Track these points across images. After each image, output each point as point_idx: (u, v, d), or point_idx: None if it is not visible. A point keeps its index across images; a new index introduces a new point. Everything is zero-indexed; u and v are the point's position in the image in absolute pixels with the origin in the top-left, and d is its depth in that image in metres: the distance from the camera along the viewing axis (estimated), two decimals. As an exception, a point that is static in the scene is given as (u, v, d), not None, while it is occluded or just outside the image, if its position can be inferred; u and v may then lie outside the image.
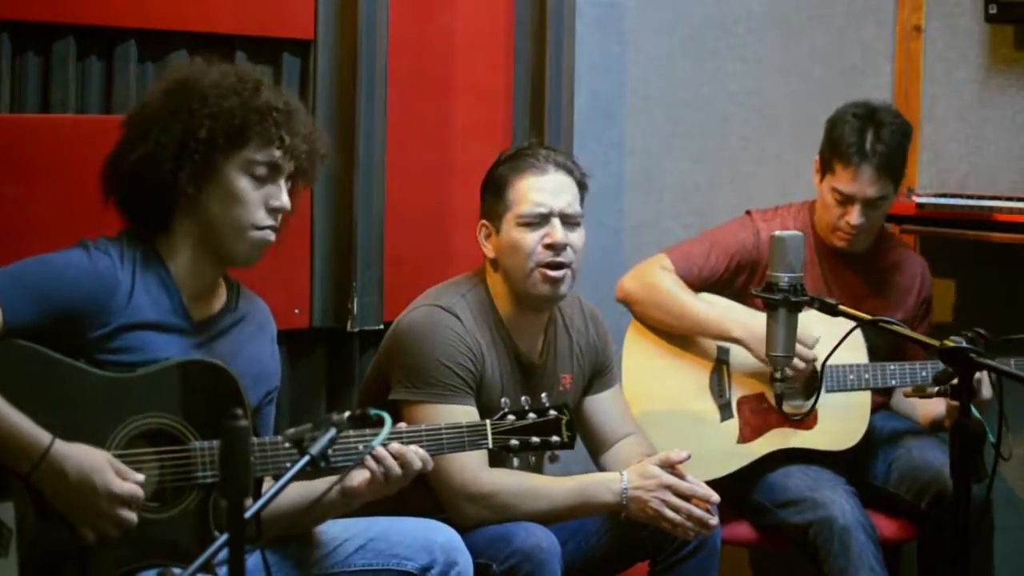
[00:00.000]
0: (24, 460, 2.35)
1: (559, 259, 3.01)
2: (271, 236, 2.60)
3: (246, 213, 2.56)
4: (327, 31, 3.51)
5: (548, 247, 3.00)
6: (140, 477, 2.42)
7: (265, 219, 2.57)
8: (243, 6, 3.40)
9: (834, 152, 3.52)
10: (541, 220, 3.01)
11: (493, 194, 3.07)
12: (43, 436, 2.36)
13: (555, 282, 3.02)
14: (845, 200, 3.51)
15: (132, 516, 2.40)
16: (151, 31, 3.30)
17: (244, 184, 2.55)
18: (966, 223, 3.88)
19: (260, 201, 2.56)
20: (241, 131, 2.53)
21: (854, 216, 3.50)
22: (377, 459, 2.55)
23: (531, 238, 3.00)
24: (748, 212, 3.68)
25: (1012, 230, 3.79)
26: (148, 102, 2.61)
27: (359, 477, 2.57)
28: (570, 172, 3.07)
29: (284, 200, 2.58)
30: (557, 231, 3.00)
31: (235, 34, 3.41)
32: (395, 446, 2.57)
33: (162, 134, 2.53)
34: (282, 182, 2.58)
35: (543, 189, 3.02)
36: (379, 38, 3.54)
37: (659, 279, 3.52)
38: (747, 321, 3.45)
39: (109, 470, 2.39)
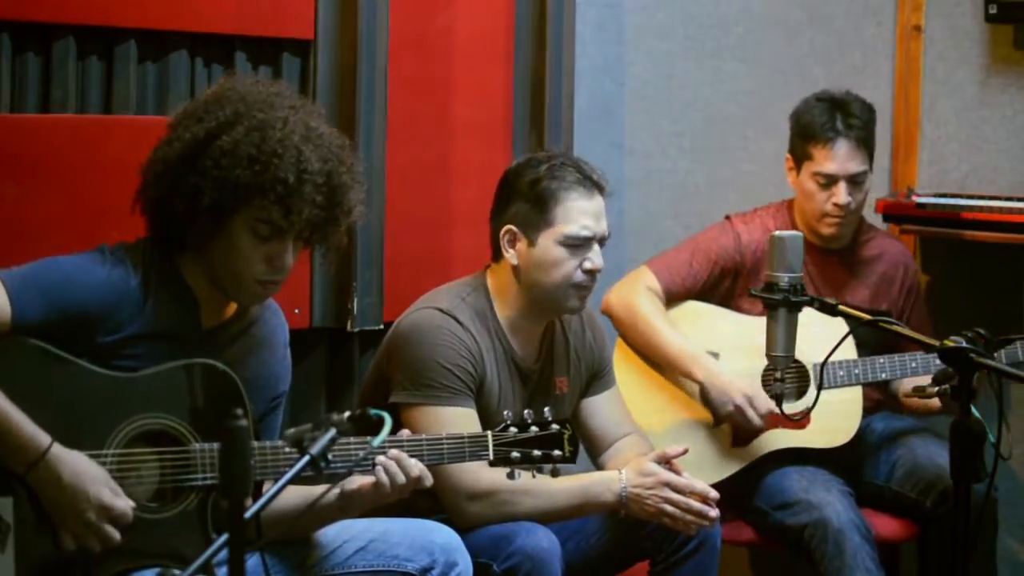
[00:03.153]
0: (21, 460, 2.36)
1: (592, 283, 3.04)
2: (270, 290, 2.60)
3: (247, 267, 2.54)
4: (327, 31, 3.51)
5: (587, 272, 3.01)
6: (132, 503, 2.42)
7: (265, 273, 2.55)
8: (243, 6, 3.40)
9: (807, 138, 3.56)
10: (584, 243, 3.01)
11: (533, 204, 3.02)
12: (43, 438, 2.36)
13: (584, 299, 3.06)
14: (829, 181, 3.54)
15: (116, 534, 2.40)
16: (151, 31, 3.30)
17: (248, 241, 2.52)
18: (966, 223, 3.88)
19: (263, 257, 2.54)
20: (244, 199, 2.49)
21: (841, 195, 3.53)
22: (379, 464, 2.56)
23: (572, 261, 3.01)
24: (727, 216, 3.69)
25: (1011, 230, 3.79)
26: (174, 136, 2.54)
27: (358, 481, 2.57)
28: (603, 192, 3.07)
29: (287, 260, 2.55)
30: (598, 257, 3.02)
31: (235, 34, 3.41)
32: (393, 451, 2.58)
33: (177, 183, 2.51)
34: (290, 243, 2.55)
35: (590, 213, 3.02)
36: (379, 38, 3.54)
37: (640, 304, 3.53)
38: (712, 369, 3.46)
39: (104, 484, 2.39)
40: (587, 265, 3.01)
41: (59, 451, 2.37)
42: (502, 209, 3.08)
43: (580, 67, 3.96)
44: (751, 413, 3.40)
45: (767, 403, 3.41)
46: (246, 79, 2.68)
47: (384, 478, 2.56)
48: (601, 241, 3.05)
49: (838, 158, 3.51)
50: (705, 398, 3.48)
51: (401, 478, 2.57)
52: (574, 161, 3.09)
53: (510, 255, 3.06)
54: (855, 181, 3.54)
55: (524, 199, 3.05)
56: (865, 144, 3.55)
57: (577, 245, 3.01)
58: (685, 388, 3.54)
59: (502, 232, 3.07)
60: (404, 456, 2.58)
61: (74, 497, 2.37)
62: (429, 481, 2.63)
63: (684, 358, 3.49)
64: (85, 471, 2.38)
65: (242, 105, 2.53)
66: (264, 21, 3.44)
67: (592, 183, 3.04)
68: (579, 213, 3.01)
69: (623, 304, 3.56)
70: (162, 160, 2.54)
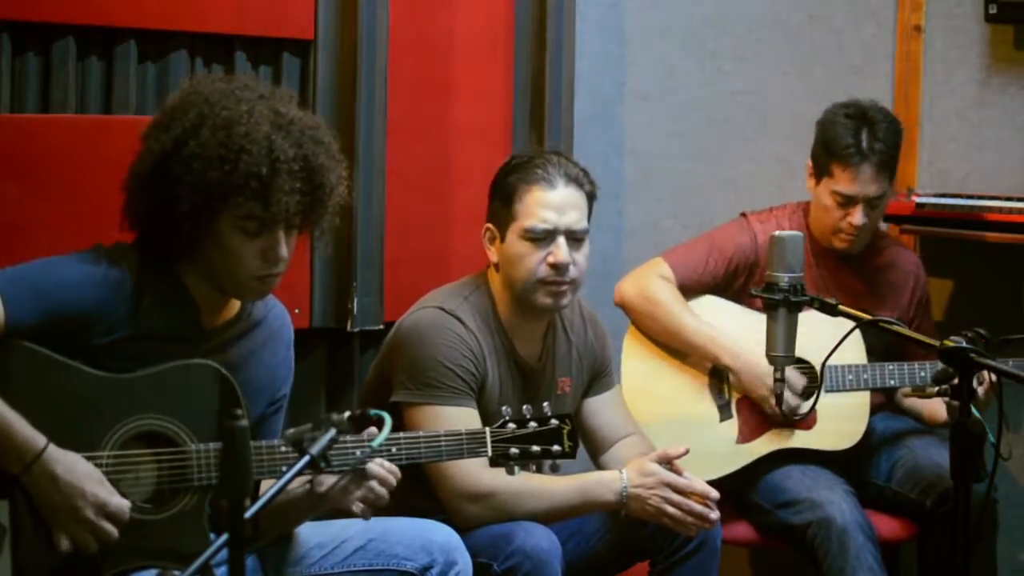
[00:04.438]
0: (16, 461, 2.35)
1: (561, 278, 2.99)
2: (270, 284, 2.57)
3: (242, 266, 2.52)
4: (327, 31, 3.51)
5: (551, 266, 2.98)
6: (128, 502, 2.41)
7: (262, 268, 2.52)
8: (243, 6, 3.40)
9: (831, 155, 3.52)
10: (546, 236, 2.98)
11: (501, 201, 3.04)
12: (39, 439, 2.36)
13: (557, 296, 3.02)
14: (847, 202, 3.52)
15: (114, 531, 2.39)
16: (151, 31, 3.30)
17: (237, 240, 2.50)
18: (966, 223, 3.88)
19: (256, 253, 2.51)
20: (222, 199, 2.47)
21: (857, 217, 3.51)
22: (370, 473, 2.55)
23: (535, 255, 2.98)
24: (743, 214, 3.69)
25: (1011, 230, 3.79)
26: (146, 149, 2.52)
27: (328, 481, 2.55)
28: (580, 185, 3.02)
29: (281, 252, 2.52)
30: (561, 250, 2.98)
31: (235, 34, 3.41)
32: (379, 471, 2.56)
33: (154, 196, 2.49)
34: (280, 233, 2.51)
35: (550, 205, 2.98)
36: (379, 38, 3.54)
37: (658, 292, 3.53)
38: (738, 351, 3.48)
39: (100, 482, 2.39)
40: (550, 259, 2.98)
41: (55, 451, 2.36)
42: (488, 208, 3.10)
43: (580, 67, 3.96)
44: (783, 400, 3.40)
45: (800, 381, 3.41)
46: (209, 79, 2.64)
47: (378, 488, 2.56)
48: (569, 234, 2.99)
49: (859, 181, 3.48)
50: (735, 381, 3.49)
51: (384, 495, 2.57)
52: (547, 156, 3.05)
53: (491, 253, 3.07)
54: (872, 203, 3.52)
55: (496, 196, 3.07)
56: (888, 166, 3.51)
57: (539, 239, 2.98)
58: (695, 382, 3.54)
59: (483, 231, 3.08)
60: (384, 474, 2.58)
61: (70, 495, 2.36)
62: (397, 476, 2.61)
63: (708, 344, 3.50)
64: (81, 470, 2.38)
65: (206, 106, 2.50)
66: (264, 21, 3.44)
67: (559, 174, 2.99)
68: (538, 206, 2.98)
69: (639, 293, 3.55)
70: (137, 175, 2.52)
